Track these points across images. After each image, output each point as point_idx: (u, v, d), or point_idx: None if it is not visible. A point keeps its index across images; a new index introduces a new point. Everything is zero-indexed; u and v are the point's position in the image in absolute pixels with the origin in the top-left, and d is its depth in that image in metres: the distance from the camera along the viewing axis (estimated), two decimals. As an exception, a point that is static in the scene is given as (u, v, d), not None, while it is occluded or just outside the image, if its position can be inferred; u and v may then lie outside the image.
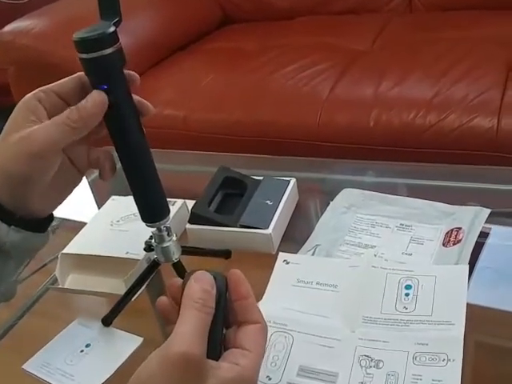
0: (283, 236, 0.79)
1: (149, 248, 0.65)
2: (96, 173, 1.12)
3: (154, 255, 0.66)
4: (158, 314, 0.48)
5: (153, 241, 0.64)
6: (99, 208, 0.90)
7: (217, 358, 0.43)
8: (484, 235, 0.71)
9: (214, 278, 0.46)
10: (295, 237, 0.81)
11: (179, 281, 0.47)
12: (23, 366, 0.67)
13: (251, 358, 0.43)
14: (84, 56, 0.49)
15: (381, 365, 0.56)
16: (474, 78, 1.19)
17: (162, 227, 0.61)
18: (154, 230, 0.62)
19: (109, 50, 0.49)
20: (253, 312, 0.46)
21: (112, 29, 0.49)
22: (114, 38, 0.50)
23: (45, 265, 0.86)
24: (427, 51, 1.36)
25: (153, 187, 0.58)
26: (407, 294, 0.61)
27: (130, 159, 0.56)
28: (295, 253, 0.74)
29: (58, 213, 0.96)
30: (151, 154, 0.57)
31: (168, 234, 0.63)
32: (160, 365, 0.41)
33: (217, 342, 0.44)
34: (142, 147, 0.56)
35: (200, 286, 0.44)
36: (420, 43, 1.43)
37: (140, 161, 0.56)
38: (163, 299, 0.48)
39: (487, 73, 1.20)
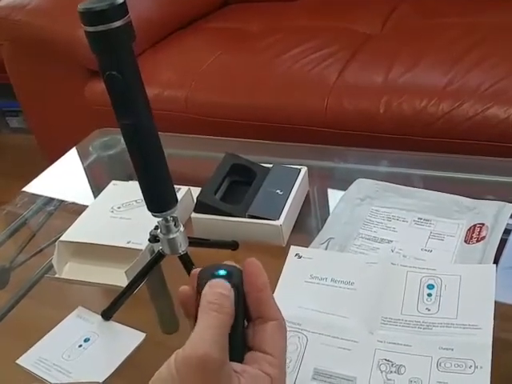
0: (293, 228, 0.75)
1: (154, 239, 0.61)
2: (94, 155, 1.08)
3: (158, 246, 0.62)
4: (180, 305, 0.44)
5: (158, 231, 0.60)
6: (98, 193, 0.86)
7: (240, 360, 0.40)
8: (505, 231, 0.67)
9: (231, 273, 0.42)
10: (306, 229, 0.78)
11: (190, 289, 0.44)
12: (17, 361, 0.64)
13: (279, 365, 0.40)
14: (90, 29, 0.45)
15: (402, 370, 0.52)
16: (488, 66, 1.14)
17: (168, 217, 0.58)
18: (160, 219, 0.58)
19: (117, 23, 0.45)
20: (268, 306, 0.42)
21: (121, 0, 0.45)
22: (123, 10, 0.45)
23: (42, 249, 0.82)
24: (439, 37, 1.31)
25: (161, 174, 0.55)
26: (429, 295, 0.58)
27: (138, 143, 0.52)
28: (306, 246, 0.70)
29: (57, 195, 0.94)
30: (159, 139, 0.53)
31: (175, 225, 0.59)
32: (177, 368, 0.37)
33: (238, 343, 0.41)
34: (151, 131, 0.52)
35: (215, 290, 0.40)
36: (431, 28, 1.37)
37: (148, 145, 0.53)
38: (185, 289, 0.44)
39: (502, 61, 1.15)
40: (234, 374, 0.38)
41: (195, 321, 0.40)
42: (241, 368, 0.39)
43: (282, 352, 0.41)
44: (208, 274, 0.42)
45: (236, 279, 0.42)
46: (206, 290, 0.41)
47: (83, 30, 0.45)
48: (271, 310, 0.42)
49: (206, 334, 0.38)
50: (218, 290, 0.40)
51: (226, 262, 0.44)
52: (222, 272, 0.42)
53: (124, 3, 0.45)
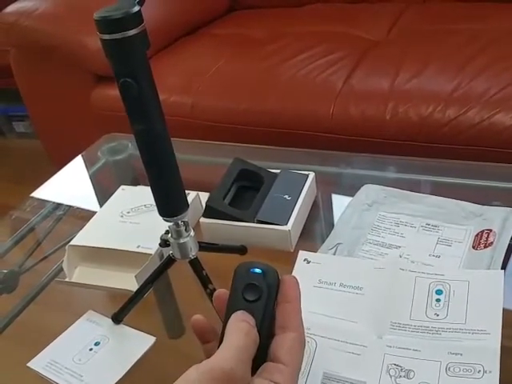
0: (301, 233, 0.76)
1: (165, 243, 0.61)
2: (102, 160, 1.09)
3: (168, 250, 0.63)
4: (194, 332, 0.46)
5: (169, 236, 0.60)
6: (107, 198, 0.86)
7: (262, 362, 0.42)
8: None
9: (265, 272, 0.44)
10: (314, 234, 0.78)
11: (225, 293, 0.45)
12: (29, 364, 0.64)
13: (286, 373, 0.40)
14: (106, 37, 0.46)
15: (411, 375, 0.53)
16: (494, 72, 1.15)
17: (179, 222, 0.58)
18: (171, 224, 0.59)
19: (133, 32, 0.46)
20: (292, 318, 0.44)
21: (136, 8, 0.46)
22: (138, 19, 0.46)
23: (50, 254, 0.83)
24: (444, 43, 1.32)
25: (173, 179, 0.55)
26: (438, 300, 0.58)
27: (151, 148, 0.53)
28: (314, 251, 0.70)
29: (65, 200, 0.94)
30: (172, 144, 0.54)
31: (186, 229, 0.59)
32: (201, 377, 0.38)
33: (264, 346, 0.42)
34: (164, 136, 0.53)
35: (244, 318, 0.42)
36: (436, 34, 1.38)
37: (161, 150, 0.53)
38: (199, 318, 0.46)
39: (508, 67, 1.15)
40: None
41: (226, 320, 0.42)
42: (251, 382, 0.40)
43: (296, 363, 0.42)
44: (244, 272, 0.44)
45: (270, 279, 0.44)
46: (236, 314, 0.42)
47: (99, 38, 0.46)
48: (294, 321, 0.43)
49: (234, 352, 0.39)
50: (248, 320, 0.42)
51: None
52: (258, 270, 0.44)
53: (139, 12, 0.45)
